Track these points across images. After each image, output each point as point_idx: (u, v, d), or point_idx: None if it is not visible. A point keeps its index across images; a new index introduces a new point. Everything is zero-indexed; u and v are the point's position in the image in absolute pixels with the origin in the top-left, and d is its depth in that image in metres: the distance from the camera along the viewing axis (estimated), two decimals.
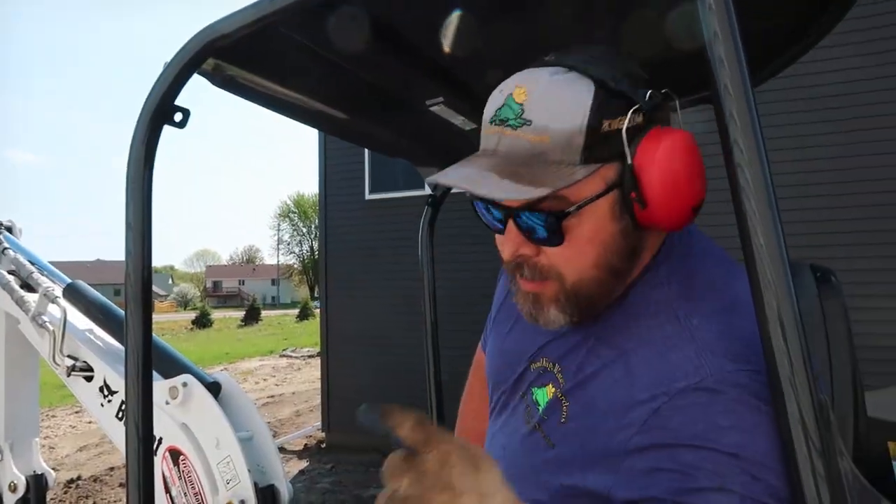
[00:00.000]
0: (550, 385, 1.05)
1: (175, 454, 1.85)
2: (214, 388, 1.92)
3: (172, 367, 1.95)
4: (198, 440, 1.84)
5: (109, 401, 2.04)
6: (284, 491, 1.84)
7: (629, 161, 0.89)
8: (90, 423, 11.75)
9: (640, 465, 0.87)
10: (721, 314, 0.93)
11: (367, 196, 9.62)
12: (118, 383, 2.04)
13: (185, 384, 1.86)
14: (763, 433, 0.80)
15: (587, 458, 0.94)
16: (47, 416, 12.48)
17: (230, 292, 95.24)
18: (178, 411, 1.87)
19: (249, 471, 1.76)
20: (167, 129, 1.10)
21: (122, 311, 2.24)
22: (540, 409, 1.05)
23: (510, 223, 0.94)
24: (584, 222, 0.91)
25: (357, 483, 7.46)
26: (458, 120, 1.57)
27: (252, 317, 42.15)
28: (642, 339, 0.95)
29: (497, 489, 0.73)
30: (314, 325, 27.75)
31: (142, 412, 1.11)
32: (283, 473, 1.87)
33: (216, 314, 45.94)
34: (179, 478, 1.83)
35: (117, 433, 1.98)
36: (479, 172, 0.89)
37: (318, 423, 9.84)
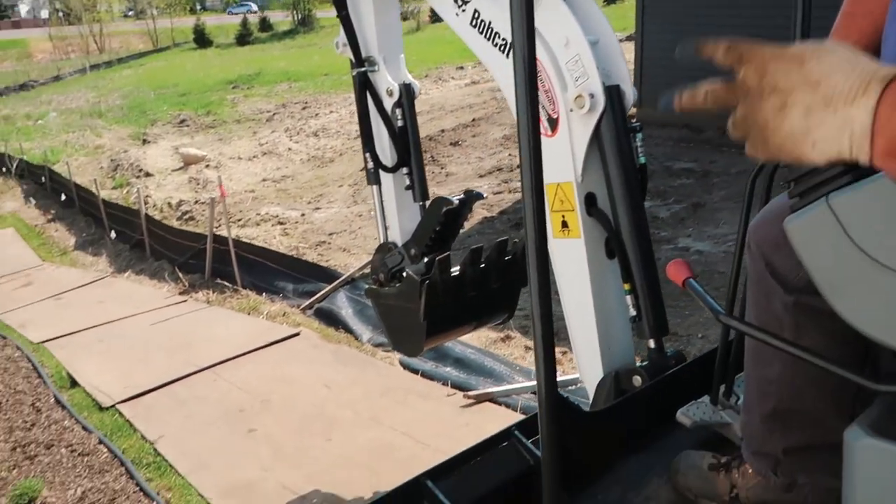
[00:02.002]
0: None
1: None
2: None
3: None
4: (547, 41, 1.92)
5: (463, 10, 2.19)
6: (629, 92, 1.90)
7: None
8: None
9: None
10: None
11: None
12: None
13: None
14: None
15: None
16: None
17: None
18: None
19: (600, 68, 1.82)
20: None
21: None
22: None
23: None
24: None
25: (666, 155, 7.53)
26: None
27: None
28: None
29: (832, 70, 0.68)
30: (623, 8, 26.02)
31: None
32: (628, 76, 1.92)
33: None
34: None
35: (471, 38, 2.17)
36: None
37: None
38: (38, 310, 8.19)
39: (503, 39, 2.02)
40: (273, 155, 14.81)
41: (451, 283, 2.72)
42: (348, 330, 6.04)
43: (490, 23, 2.06)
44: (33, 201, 15.55)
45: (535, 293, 1.58)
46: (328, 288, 6.81)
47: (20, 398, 5.42)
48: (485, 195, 2.78)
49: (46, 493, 4.00)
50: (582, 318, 2.48)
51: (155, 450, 4.33)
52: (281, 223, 9.88)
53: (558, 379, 1.63)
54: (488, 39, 2.07)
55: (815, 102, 0.69)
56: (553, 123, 1.97)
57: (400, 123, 2.77)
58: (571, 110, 1.88)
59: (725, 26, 7.86)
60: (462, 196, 2.75)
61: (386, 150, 2.85)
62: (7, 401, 5.39)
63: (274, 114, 19.29)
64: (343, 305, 6.42)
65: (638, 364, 2.47)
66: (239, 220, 10.21)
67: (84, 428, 4.74)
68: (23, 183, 17.37)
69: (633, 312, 2.40)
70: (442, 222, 2.72)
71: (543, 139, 2.01)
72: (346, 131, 15.49)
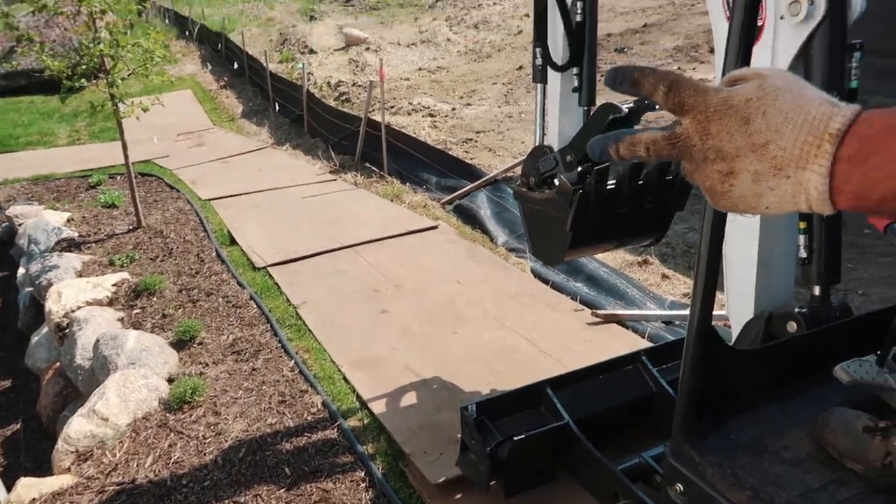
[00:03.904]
0: None
1: None
2: None
3: None
4: None
5: None
6: (858, 1, 1.64)
7: None
8: None
9: None
10: None
11: None
12: None
13: None
14: None
15: None
16: None
17: None
18: None
19: None
20: None
21: None
22: None
23: None
24: None
25: (865, 86, 6.65)
26: None
27: None
28: None
29: (779, 125, 0.61)
30: None
31: None
32: None
33: None
34: None
35: None
36: None
37: None
38: (207, 169, 8.92)
39: None
40: (431, 44, 14.71)
41: (604, 197, 2.61)
42: (485, 230, 6.08)
43: None
44: (209, 66, 16.64)
45: (708, 215, 1.46)
46: (470, 186, 6.83)
47: (188, 247, 6.02)
48: (657, 106, 2.56)
49: (204, 334, 4.48)
50: (743, 250, 2.31)
51: (297, 313, 4.68)
52: (431, 115, 9.92)
53: None
54: None
55: (764, 169, 0.62)
56: (755, 31, 1.75)
57: (578, 18, 2.59)
58: (782, 17, 1.65)
59: None
60: (632, 105, 2.56)
61: (559, 46, 2.69)
62: (177, 248, 6.01)
63: (437, 1, 19.01)
64: (482, 205, 6.44)
65: (796, 310, 2.29)
66: (392, 107, 10.37)
67: (239, 283, 5.20)
68: (201, 48, 18.57)
69: (802, 254, 2.20)
70: (605, 131, 2.57)
71: None
72: (508, 26, 15.00)
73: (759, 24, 1.72)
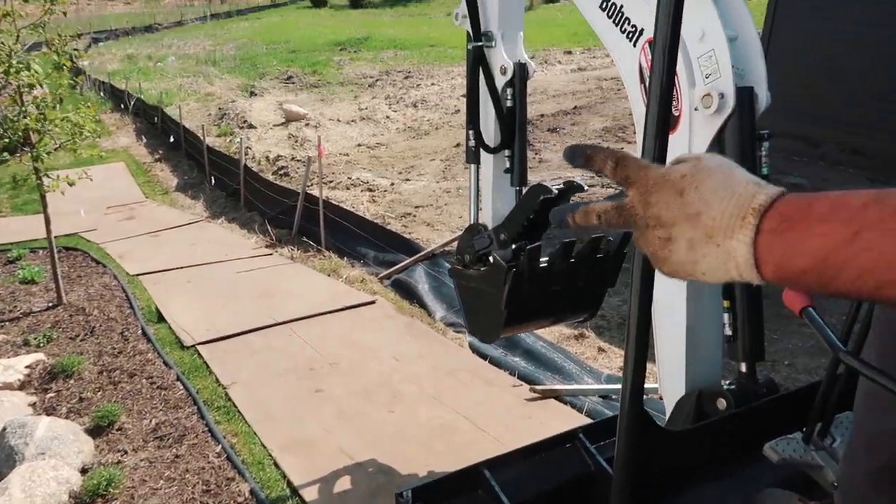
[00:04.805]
0: None
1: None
2: None
3: None
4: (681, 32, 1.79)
5: None
6: (763, 96, 1.75)
7: None
8: None
9: None
10: None
11: None
12: None
13: None
14: None
15: None
16: None
17: None
18: None
19: (734, 67, 1.68)
20: None
21: None
22: None
23: None
24: None
25: (776, 168, 7.09)
26: None
27: None
28: None
29: (710, 198, 0.68)
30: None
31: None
32: (765, 78, 1.76)
33: None
34: None
35: (598, 21, 2.05)
36: None
37: None
38: (136, 243, 8.65)
39: (632, 26, 1.90)
40: (371, 121, 14.98)
41: (537, 275, 2.63)
42: (423, 305, 6.05)
43: (621, 6, 1.94)
44: (144, 139, 16.41)
45: (635, 298, 1.48)
46: (408, 260, 6.84)
47: (112, 325, 5.74)
48: (585, 187, 2.66)
49: (125, 419, 4.22)
50: (671, 329, 2.35)
51: (227, 394, 4.48)
52: (370, 190, 9.99)
53: None
54: (616, 24, 1.96)
55: (697, 237, 0.69)
56: (673, 121, 1.84)
57: (509, 104, 2.68)
58: (696, 109, 1.75)
59: (864, 24, 7.29)
60: (562, 185, 2.64)
61: (490, 129, 2.77)
62: (100, 326, 5.73)
63: (377, 80, 19.51)
64: (420, 280, 6.43)
65: (725, 386, 2.33)
66: (330, 181, 10.40)
67: (165, 363, 4.97)
68: (137, 121, 18.35)
69: (728, 332, 2.25)
70: (537, 210, 2.63)
71: None
72: (445, 105, 15.47)
73: (676, 114, 1.81)
